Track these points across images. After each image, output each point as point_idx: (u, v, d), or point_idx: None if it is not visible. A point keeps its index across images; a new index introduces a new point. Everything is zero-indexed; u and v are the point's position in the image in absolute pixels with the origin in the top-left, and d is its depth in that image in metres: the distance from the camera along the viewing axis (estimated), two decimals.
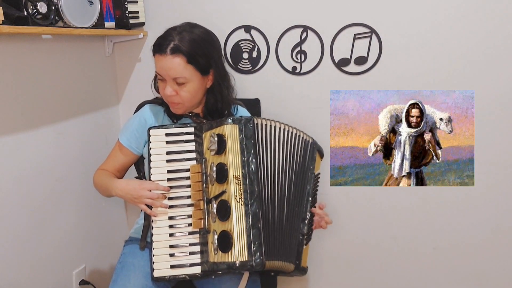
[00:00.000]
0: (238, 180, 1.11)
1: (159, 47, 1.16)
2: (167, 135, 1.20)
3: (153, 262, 1.14)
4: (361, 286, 1.77)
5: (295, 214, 1.23)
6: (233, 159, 1.12)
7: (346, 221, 1.70)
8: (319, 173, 1.34)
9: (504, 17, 1.43)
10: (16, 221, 1.29)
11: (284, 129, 1.23)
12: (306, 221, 1.26)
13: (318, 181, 1.33)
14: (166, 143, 1.20)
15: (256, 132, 1.16)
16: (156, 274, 1.13)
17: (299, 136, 1.27)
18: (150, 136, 1.20)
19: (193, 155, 1.20)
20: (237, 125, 1.14)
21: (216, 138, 1.14)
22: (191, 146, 1.20)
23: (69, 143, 1.50)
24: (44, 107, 1.38)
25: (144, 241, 1.27)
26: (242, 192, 1.10)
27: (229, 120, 1.15)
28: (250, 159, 1.13)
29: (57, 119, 1.44)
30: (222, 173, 1.12)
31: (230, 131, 1.14)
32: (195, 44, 1.16)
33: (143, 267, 1.20)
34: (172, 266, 1.14)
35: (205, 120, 1.29)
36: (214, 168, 1.14)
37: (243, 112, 1.40)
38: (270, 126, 1.21)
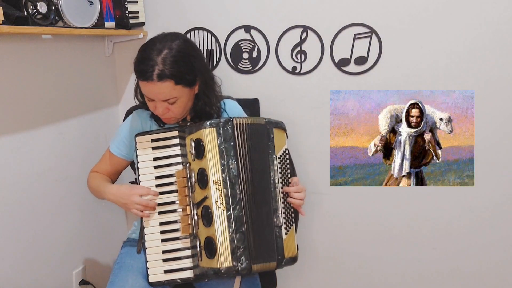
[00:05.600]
0: (218, 185, 1.11)
1: (143, 74, 1.10)
2: (152, 141, 1.21)
3: (147, 268, 1.15)
4: (360, 285, 1.77)
5: (264, 210, 1.17)
6: (213, 163, 1.12)
7: (346, 221, 1.70)
8: (286, 149, 1.26)
9: (504, 18, 1.43)
10: (16, 221, 1.29)
11: (246, 124, 1.18)
12: (279, 211, 1.18)
13: (288, 158, 1.25)
14: (153, 149, 1.20)
15: (237, 133, 1.15)
16: (151, 279, 1.15)
17: (253, 124, 1.19)
18: (136, 143, 1.21)
19: (179, 159, 1.20)
20: (214, 129, 1.13)
21: (193, 144, 1.14)
22: (177, 150, 1.20)
23: (69, 143, 1.50)
24: (44, 107, 1.38)
25: (141, 244, 1.27)
26: (223, 197, 1.10)
27: (207, 124, 1.13)
28: (230, 162, 1.12)
29: (57, 119, 1.44)
30: (202, 179, 1.12)
31: (208, 135, 1.13)
32: (179, 63, 1.11)
33: (141, 268, 1.21)
34: (166, 271, 1.15)
35: (193, 121, 1.28)
36: (196, 174, 1.14)
37: (232, 105, 1.38)
38: (247, 124, 1.17)
